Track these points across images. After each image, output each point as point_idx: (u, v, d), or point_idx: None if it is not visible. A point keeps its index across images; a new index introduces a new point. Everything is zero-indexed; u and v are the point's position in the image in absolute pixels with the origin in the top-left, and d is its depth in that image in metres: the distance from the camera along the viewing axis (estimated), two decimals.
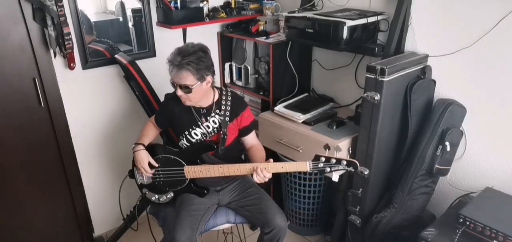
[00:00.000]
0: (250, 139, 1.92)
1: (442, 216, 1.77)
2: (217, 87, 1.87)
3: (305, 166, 1.58)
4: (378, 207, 1.97)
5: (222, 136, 1.81)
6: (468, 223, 1.53)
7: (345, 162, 1.53)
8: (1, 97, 1.96)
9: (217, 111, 1.81)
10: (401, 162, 1.90)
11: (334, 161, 1.54)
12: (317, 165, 1.56)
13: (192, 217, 1.73)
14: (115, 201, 1.98)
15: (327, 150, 1.57)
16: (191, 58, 1.63)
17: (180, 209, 1.77)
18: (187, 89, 1.67)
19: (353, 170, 1.55)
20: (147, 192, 1.90)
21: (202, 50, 1.69)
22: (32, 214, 2.26)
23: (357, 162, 1.54)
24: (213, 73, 1.74)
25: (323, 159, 1.55)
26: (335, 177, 1.57)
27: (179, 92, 1.69)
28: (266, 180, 1.62)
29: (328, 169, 1.56)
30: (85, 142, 2.37)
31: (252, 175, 1.64)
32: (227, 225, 1.91)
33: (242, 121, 1.85)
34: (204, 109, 1.81)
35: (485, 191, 1.73)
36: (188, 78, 1.65)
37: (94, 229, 2.57)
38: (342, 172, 1.58)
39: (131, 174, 1.93)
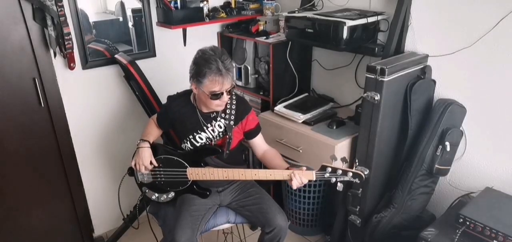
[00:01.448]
0: (260, 143, 1.89)
1: (442, 216, 1.77)
2: None
3: (312, 175, 1.59)
4: (378, 207, 1.97)
5: (227, 140, 1.80)
6: (468, 223, 1.53)
7: (351, 174, 1.55)
8: (1, 97, 1.95)
9: (223, 115, 1.80)
10: (401, 162, 1.90)
11: (340, 172, 1.55)
12: (323, 175, 1.57)
13: (192, 217, 1.72)
14: (115, 201, 1.98)
15: (333, 160, 1.57)
16: (225, 57, 1.63)
17: (181, 209, 1.76)
18: (229, 91, 1.67)
19: (358, 181, 1.57)
20: (147, 191, 1.90)
21: (221, 49, 1.70)
22: (32, 214, 2.26)
23: (363, 174, 1.55)
24: None
25: (329, 169, 1.56)
26: (339, 186, 1.58)
27: (226, 98, 1.67)
28: (303, 184, 1.62)
29: (334, 179, 1.58)
30: (85, 142, 2.37)
31: (289, 180, 1.63)
32: (227, 225, 1.91)
33: (247, 124, 1.84)
34: (214, 113, 1.79)
35: (485, 191, 1.73)
36: (231, 78, 1.65)
37: (94, 229, 2.57)
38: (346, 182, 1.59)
39: (131, 172, 1.92)
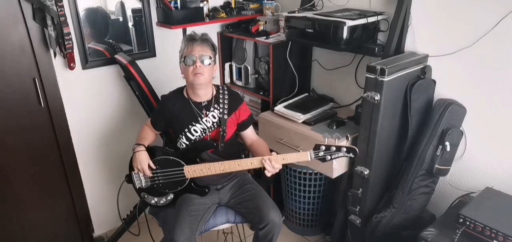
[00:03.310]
0: (250, 134, 1.94)
1: (442, 216, 1.77)
2: (214, 84, 1.90)
3: (306, 156, 1.59)
4: (378, 207, 1.97)
5: (221, 132, 1.82)
6: (468, 223, 1.53)
7: (345, 149, 1.55)
8: (1, 97, 1.96)
9: (216, 106, 1.84)
10: (401, 162, 1.90)
11: (334, 148, 1.56)
12: (318, 154, 1.57)
13: (191, 217, 1.73)
14: (115, 200, 1.98)
15: (326, 138, 1.57)
16: (208, 37, 1.82)
17: (180, 209, 1.76)
18: (205, 61, 1.74)
19: (353, 156, 1.57)
20: (146, 196, 1.90)
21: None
22: (32, 214, 2.26)
23: (356, 148, 1.56)
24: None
25: (323, 148, 1.56)
26: (334, 165, 1.58)
27: (198, 64, 1.73)
28: (277, 170, 1.64)
29: (329, 157, 1.57)
30: (85, 142, 2.37)
31: (263, 168, 1.65)
32: (227, 225, 1.91)
33: (240, 115, 1.88)
34: (205, 102, 1.84)
35: (485, 191, 1.73)
36: (208, 51, 1.77)
37: (94, 229, 2.58)
38: (342, 158, 1.58)
39: (129, 179, 1.92)
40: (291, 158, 1.64)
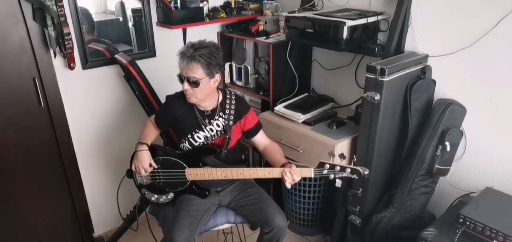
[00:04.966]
0: (261, 140, 1.91)
1: (442, 216, 1.77)
2: (220, 89, 1.85)
3: (310, 172, 1.60)
4: (378, 207, 1.97)
5: (227, 139, 1.80)
6: (468, 223, 1.53)
7: (349, 170, 1.55)
8: (1, 97, 1.96)
9: (221, 113, 1.80)
10: (401, 162, 1.90)
11: (338, 168, 1.56)
12: (322, 172, 1.58)
13: (191, 217, 1.72)
14: (116, 201, 1.98)
15: (331, 157, 1.58)
16: (203, 51, 1.63)
17: (179, 209, 1.76)
18: (195, 83, 1.64)
19: (356, 177, 1.57)
20: (146, 192, 1.90)
21: (215, 47, 1.70)
22: (32, 214, 2.26)
23: (361, 170, 1.55)
24: (222, 73, 1.75)
25: (327, 166, 1.56)
26: (338, 182, 1.58)
27: (186, 86, 1.65)
28: (296, 181, 1.63)
29: (332, 176, 1.58)
30: (85, 142, 2.37)
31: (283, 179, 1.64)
32: (227, 225, 1.91)
33: (246, 123, 1.85)
34: (209, 112, 1.80)
35: (485, 191, 1.73)
36: (198, 71, 1.62)
37: (94, 229, 2.58)
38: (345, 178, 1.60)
39: (129, 174, 1.92)
40: (295, 172, 1.64)
